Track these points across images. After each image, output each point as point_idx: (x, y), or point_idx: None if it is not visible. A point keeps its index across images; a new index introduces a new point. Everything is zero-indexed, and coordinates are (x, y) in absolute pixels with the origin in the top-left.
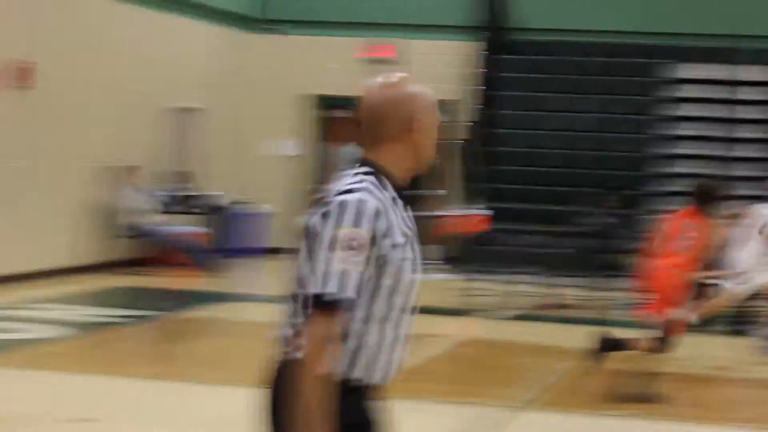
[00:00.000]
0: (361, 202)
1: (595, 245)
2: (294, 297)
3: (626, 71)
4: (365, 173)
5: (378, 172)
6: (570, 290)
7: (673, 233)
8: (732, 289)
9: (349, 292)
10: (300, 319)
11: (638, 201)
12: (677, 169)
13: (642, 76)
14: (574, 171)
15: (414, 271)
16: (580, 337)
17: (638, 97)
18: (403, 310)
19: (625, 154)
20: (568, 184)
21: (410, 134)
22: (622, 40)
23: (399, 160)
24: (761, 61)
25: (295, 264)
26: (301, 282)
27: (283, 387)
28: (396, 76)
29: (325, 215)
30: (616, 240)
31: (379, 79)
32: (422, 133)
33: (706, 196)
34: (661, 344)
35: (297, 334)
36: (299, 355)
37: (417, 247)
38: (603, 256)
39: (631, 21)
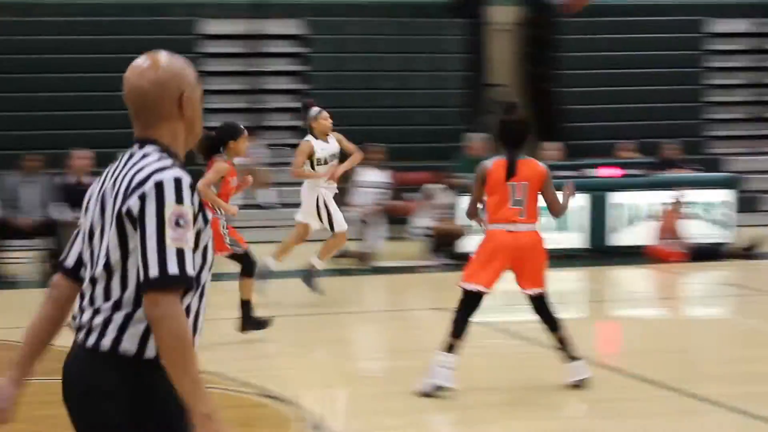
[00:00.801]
0: (177, 180)
1: None
2: (93, 281)
3: None
4: (157, 152)
5: (165, 150)
6: None
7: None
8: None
9: (189, 270)
10: (103, 304)
11: None
12: None
13: None
14: None
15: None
16: None
17: None
18: (205, 284)
19: None
20: None
21: (181, 111)
22: None
23: (175, 138)
24: None
25: (95, 248)
26: (108, 267)
27: (103, 377)
28: (158, 54)
29: (142, 198)
30: None
31: (142, 60)
32: (191, 109)
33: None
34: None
35: (107, 321)
36: (159, 347)
37: None
38: None
39: None
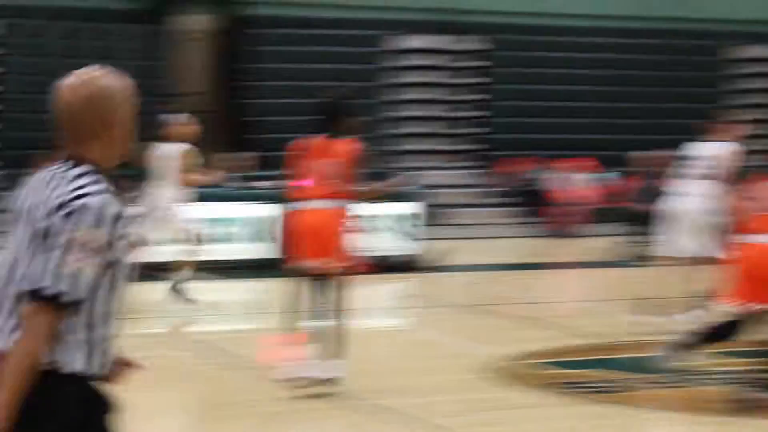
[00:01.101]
0: (103, 206)
1: None
2: (19, 297)
3: None
4: (89, 173)
5: (96, 170)
6: None
7: None
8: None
9: (80, 293)
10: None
11: None
12: None
13: None
14: None
15: (132, 268)
16: None
17: None
18: (119, 305)
19: None
20: None
21: (110, 131)
22: None
23: (105, 156)
24: None
25: (19, 261)
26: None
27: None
28: (89, 72)
29: (67, 216)
30: None
31: (73, 78)
32: (120, 128)
33: None
34: None
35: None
36: (13, 346)
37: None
38: None
39: None
